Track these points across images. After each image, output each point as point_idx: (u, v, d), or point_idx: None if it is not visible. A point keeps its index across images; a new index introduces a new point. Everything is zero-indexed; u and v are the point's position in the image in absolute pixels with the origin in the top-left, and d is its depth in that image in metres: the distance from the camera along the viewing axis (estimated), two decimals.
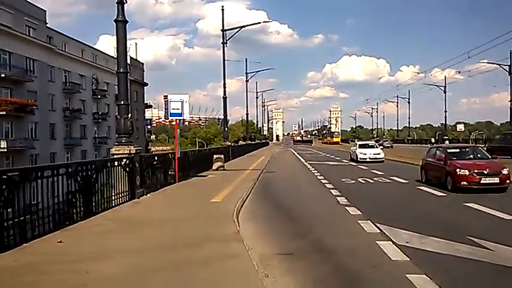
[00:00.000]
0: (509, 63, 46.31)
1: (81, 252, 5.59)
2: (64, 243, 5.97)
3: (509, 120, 51.30)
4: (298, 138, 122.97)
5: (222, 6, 30.06)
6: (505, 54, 47.23)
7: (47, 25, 41.77)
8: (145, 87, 65.64)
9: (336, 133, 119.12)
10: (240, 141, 57.45)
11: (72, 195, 7.37)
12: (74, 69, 46.44)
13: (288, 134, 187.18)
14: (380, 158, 25.48)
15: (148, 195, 10.84)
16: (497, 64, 48.24)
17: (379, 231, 6.84)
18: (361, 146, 27.69)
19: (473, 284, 4.47)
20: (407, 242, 6.03)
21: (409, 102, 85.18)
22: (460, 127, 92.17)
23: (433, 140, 72.20)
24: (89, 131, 50.17)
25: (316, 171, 19.60)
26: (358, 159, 25.52)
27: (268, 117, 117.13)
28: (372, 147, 27.50)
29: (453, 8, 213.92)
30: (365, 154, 25.76)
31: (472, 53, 68.26)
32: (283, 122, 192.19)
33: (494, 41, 68.93)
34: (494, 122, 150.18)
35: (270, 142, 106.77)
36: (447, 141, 69.90)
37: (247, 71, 48.88)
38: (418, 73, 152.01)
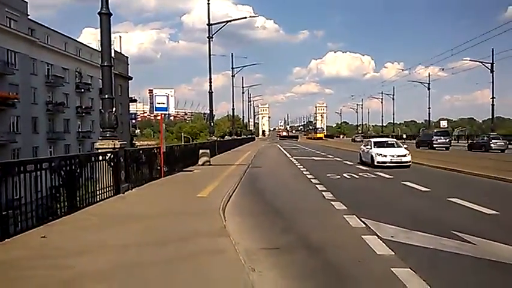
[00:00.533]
0: (491, 61, 47.13)
1: (65, 247, 5.52)
2: (48, 238, 5.88)
3: (490, 117, 52.28)
4: (284, 133, 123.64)
5: (208, 0, 29.83)
6: (487, 52, 48.07)
7: (29, 17, 40.98)
8: (129, 81, 65.08)
9: (319, 129, 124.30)
10: (226, 136, 57.36)
11: (55, 190, 7.27)
12: (56, 62, 45.71)
13: (274, 129, 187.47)
14: (406, 162, 18.10)
15: (133, 190, 10.74)
16: (479, 62, 49.02)
17: (364, 225, 6.89)
18: (377, 145, 19.61)
19: (457, 277, 4.54)
20: (392, 237, 6.09)
21: (393, 99, 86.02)
22: (444, 123, 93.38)
23: (405, 136, 74.27)
24: (72, 125, 49.53)
25: (302, 166, 19.68)
26: (376, 163, 18.02)
27: (254, 112, 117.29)
28: (393, 145, 19.85)
29: (437, 6, 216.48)
30: (385, 156, 18.17)
31: (456, 50, 69.29)
32: (269, 117, 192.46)
33: (477, 39, 70.02)
34: (477, 118, 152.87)
35: (256, 137, 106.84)
36: None
37: (234, 66, 48.73)
38: (403, 70, 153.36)
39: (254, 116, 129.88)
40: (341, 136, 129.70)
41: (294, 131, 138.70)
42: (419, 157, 22.89)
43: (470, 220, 7.47)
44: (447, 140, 37.72)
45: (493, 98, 48.91)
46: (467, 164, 18.03)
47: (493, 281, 4.46)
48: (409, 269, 4.63)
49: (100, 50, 11.02)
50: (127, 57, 65.64)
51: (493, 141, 32.01)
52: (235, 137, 57.22)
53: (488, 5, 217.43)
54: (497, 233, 6.30)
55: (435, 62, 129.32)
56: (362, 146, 21.92)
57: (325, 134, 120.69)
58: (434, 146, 36.36)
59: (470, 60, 51.23)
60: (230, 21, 32.18)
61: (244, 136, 75.09)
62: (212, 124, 33.93)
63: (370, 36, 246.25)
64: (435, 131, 41.92)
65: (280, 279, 4.64)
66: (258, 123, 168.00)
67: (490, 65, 47.20)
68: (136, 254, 5.18)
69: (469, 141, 37.98)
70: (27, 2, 40.63)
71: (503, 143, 31.98)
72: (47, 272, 4.52)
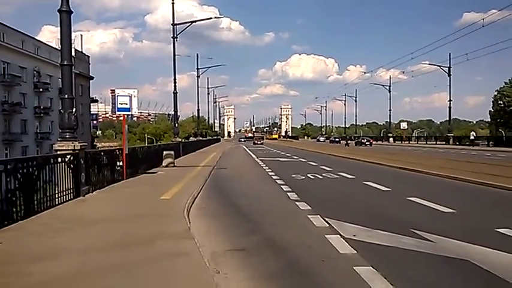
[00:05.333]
0: (448, 65, 49.08)
1: (22, 253, 5.30)
2: (3, 244, 5.63)
3: (448, 119, 54.39)
4: (250, 135, 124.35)
5: (173, 0, 29.52)
6: (445, 56, 50.02)
7: None
8: (91, 81, 63.49)
9: (274, 131, 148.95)
10: (191, 138, 56.76)
11: (11, 194, 6.95)
12: (13, 61, 43.97)
13: (240, 130, 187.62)
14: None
15: (94, 192, 10.47)
16: (437, 66, 51.03)
17: (328, 225, 7.00)
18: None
19: (416, 274, 4.68)
20: (354, 236, 6.22)
21: (356, 101, 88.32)
22: (404, 125, 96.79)
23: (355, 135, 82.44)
24: (30, 126, 47.78)
25: (267, 168, 19.77)
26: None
27: (219, 113, 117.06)
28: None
29: (398, 12, 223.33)
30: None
31: (416, 54, 71.82)
32: (234, 118, 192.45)
33: (436, 43, 72.81)
34: (435, 120, 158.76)
35: (221, 139, 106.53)
36: (391, 138, 73.18)
37: (199, 67, 48.44)
38: (365, 73, 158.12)
39: (220, 117, 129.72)
40: (305, 137, 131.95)
41: (260, 133, 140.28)
42: (378, 158, 23.56)
43: (428, 218, 7.73)
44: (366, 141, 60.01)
45: (450, 100, 51.11)
46: (425, 164, 18.68)
47: (450, 276, 4.64)
48: (371, 267, 4.74)
49: (60, 48, 10.66)
50: (88, 57, 63.97)
51: None
52: (200, 138, 56.78)
53: (446, 11, 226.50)
54: (454, 230, 6.56)
55: (396, 65, 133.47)
56: None
57: (288, 135, 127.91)
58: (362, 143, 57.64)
59: (429, 63, 53.43)
60: (195, 21, 32.08)
61: (210, 137, 74.76)
62: (177, 125, 33.58)
63: (333, 39, 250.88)
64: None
65: (245, 280, 4.63)
66: (223, 125, 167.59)
67: (447, 68, 49.22)
68: (98, 259, 5.03)
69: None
70: None
71: None
72: (3, 280, 4.32)
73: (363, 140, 60.63)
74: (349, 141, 62.86)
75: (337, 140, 75.76)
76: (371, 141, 62.22)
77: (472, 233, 6.45)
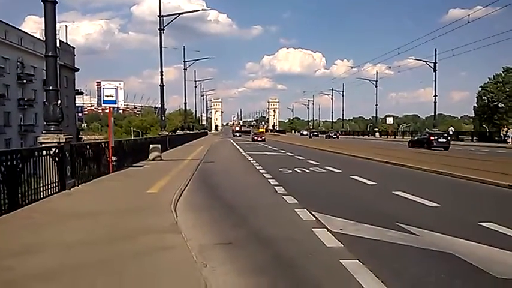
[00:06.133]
0: (434, 61, 49.55)
1: (5, 247, 5.22)
2: None
3: (433, 114, 55.02)
4: (237, 128, 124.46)
5: None
6: (431, 51, 50.52)
7: None
8: (76, 73, 62.56)
9: (261, 125, 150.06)
10: (178, 131, 56.53)
11: None
12: None
13: (227, 124, 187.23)
14: None
15: (79, 186, 10.36)
16: (423, 61, 51.45)
17: (314, 219, 7.04)
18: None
19: (401, 267, 4.74)
20: (341, 229, 6.27)
21: (343, 95, 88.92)
22: (390, 120, 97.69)
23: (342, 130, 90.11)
24: (13, 118, 46.98)
25: (254, 161, 19.79)
26: None
27: (207, 106, 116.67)
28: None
29: (384, 7, 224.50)
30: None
31: (402, 49, 72.43)
32: (222, 112, 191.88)
33: (422, 39, 73.47)
34: (420, 115, 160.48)
35: (208, 132, 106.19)
36: (377, 133, 73.86)
37: (186, 59, 48.13)
38: (352, 67, 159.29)
39: (207, 110, 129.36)
40: (292, 131, 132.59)
41: (248, 127, 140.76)
42: (365, 152, 23.74)
43: (413, 212, 7.82)
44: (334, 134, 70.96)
45: (435, 95, 51.63)
46: (410, 158, 18.90)
47: (434, 268, 4.70)
48: (357, 261, 4.78)
49: (44, 39, 10.46)
50: (73, 48, 62.96)
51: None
52: (188, 131, 56.57)
53: (432, 7, 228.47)
54: (438, 224, 6.66)
55: (383, 60, 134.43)
56: None
57: (276, 129, 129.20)
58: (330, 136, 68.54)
59: (415, 59, 53.79)
60: (182, 13, 31.76)
61: (197, 131, 74.50)
62: (163, 118, 33.39)
63: (321, 34, 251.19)
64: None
65: (233, 273, 4.64)
66: (211, 118, 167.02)
67: (433, 64, 49.69)
68: (83, 253, 4.99)
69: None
70: None
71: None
72: None
73: (330, 134, 72.83)
74: (319, 135, 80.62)
75: (315, 134, 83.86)
76: (337, 134, 73.72)
77: (456, 227, 6.55)
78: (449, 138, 32.09)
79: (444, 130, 42.72)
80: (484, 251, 5.19)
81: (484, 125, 67.12)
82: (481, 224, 6.52)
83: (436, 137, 30.75)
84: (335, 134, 71.62)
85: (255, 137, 54.94)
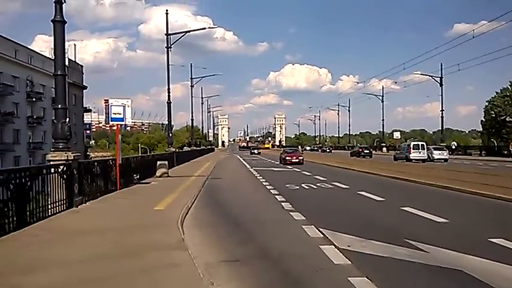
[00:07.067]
0: (440, 75, 49.57)
1: (13, 264, 5.24)
2: None
3: (440, 128, 54.82)
4: (244, 144, 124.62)
5: (167, 10, 29.82)
6: (437, 66, 50.56)
7: None
8: (84, 91, 63.24)
9: (267, 141, 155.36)
10: (185, 147, 56.68)
11: (3, 205, 6.88)
12: (6, 70, 43.71)
13: (234, 140, 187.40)
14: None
15: (87, 203, 10.39)
16: (429, 76, 51.48)
17: (322, 235, 6.99)
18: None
19: (410, 285, 4.69)
20: (349, 246, 6.21)
21: (349, 111, 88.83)
22: (397, 135, 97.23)
23: (349, 145, 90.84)
24: (22, 136, 47.37)
25: (261, 177, 19.75)
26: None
27: (213, 123, 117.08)
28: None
29: (389, 23, 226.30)
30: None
31: (408, 64, 72.50)
32: (228, 128, 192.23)
33: (428, 53, 73.52)
34: (428, 130, 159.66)
35: (215, 148, 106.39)
36: (384, 148, 73.58)
37: (193, 76, 48.52)
38: (358, 83, 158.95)
39: (214, 126, 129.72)
40: (299, 147, 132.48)
41: (254, 143, 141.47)
42: (372, 168, 23.64)
43: (422, 228, 7.75)
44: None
45: (442, 110, 51.48)
46: (418, 174, 18.77)
47: (443, 286, 4.64)
48: (365, 278, 4.73)
49: (53, 58, 10.64)
50: (82, 66, 63.84)
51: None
52: (194, 148, 56.68)
53: (437, 22, 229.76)
54: (447, 240, 6.59)
55: (388, 76, 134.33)
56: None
57: (282, 145, 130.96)
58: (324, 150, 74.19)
59: (421, 74, 53.87)
60: (189, 31, 32.13)
61: (204, 147, 74.59)
62: (170, 135, 33.50)
63: (326, 49, 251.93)
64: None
65: None
66: (217, 134, 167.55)
67: (439, 78, 49.68)
68: (89, 270, 4.99)
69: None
70: None
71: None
72: None
73: (324, 148, 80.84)
74: (313, 149, 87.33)
75: (315, 149, 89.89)
76: (331, 149, 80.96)
77: (465, 243, 6.47)
78: (446, 151, 36.93)
79: (441, 145, 43.88)
80: (493, 268, 5.12)
81: (492, 140, 66.57)
82: (491, 240, 6.43)
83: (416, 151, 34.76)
84: (329, 148, 79.81)
85: (288, 157, 32.36)
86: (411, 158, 34.01)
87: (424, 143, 36.89)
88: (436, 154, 34.88)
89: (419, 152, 34.30)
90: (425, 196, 12.67)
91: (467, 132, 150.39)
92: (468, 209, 10.31)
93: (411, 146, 35.93)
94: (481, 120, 76.43)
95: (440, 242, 6.32)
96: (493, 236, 6.57)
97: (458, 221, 8.47)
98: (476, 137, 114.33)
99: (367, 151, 50.01)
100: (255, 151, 69.57)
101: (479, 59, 75.93)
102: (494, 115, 70.33)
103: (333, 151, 77.44)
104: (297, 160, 31.62)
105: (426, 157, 34.17)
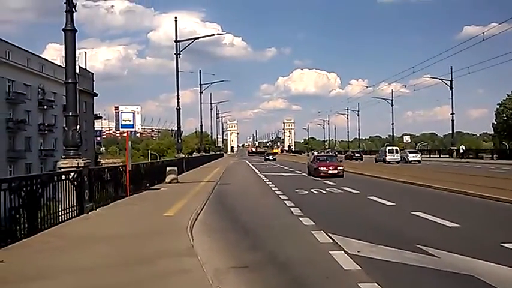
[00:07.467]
0: (450, 79, 49.20)
1: (24, 272, 5.29)
2: (6, 262, 5.61)
3: (450, 132, 54.32)
4: (253, 149, 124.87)
5: (176, 17, 29.92)
6: (447, 69, 50.07)
7: None
8: (95, 98, 63.82)
9: (275, 146, 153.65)
10: (194, 153, 56.90)
11: (15, 212, 6.96)
12: (18, 79, 44.34)
13: (243, 145, 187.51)
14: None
15: (97, 210, 10.46)
16: (439, 79, 51.09)
17: (331, 241, 6.96)
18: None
19: None
20: (358, 251, 6.18)
21: (358, 115, 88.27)
22: (407, 138, 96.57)
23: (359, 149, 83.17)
24: (34, 143, 47.92)
25: (270, 183, 19.74)
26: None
27: (222, 128, 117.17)
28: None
29: (396, 25, 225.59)
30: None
31: (417, 68, 71.91)
32: (237, 133, 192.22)
33: (437, 57, 72.91)
34: (438, 133, 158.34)
35: (224, 154, 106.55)
36: None
37: (202, 83, 48.77)
38: (367, 87, 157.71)
39: (223, 132, 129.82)
40: (309, 151, 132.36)
41: (263, 148, 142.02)
42: (382, 172, 23.46)
43: (433, 233, 7.67)
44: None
45: (452, 113, 51.03)
46: (429, 178, 18.59)
47: None
48: (375, 284, 4.70)
49: (64, 66, 10.78)
50: (92, 74, 64.48)
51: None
52: (204, 153, 56.85)
53: (447, 25, 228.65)
54: (459, 245, 6.51)
55: (398, 79, 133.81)
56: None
57: (292, 149, 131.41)
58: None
59: (430, 77, 53.38)
60: (198, 38, 32.36)
61: (213, 153, 74.75)
62: (180, 141, 33.65)
63: (335, 54, 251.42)
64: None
65: None
66: (226, 140, 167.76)
67: (449, 82, 49.30)
68: (100, 277, 5.02)
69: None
70: None
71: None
72: None
73: (351, 153, 76.98)
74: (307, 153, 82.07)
75: (356, 156, 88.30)
76: (361, 154, 78.32)
77: (477, 248, 6.39)
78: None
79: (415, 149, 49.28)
80: (506, 273, 5.05)
81: (504, 142, 65.74)
82: (503, 245, 6.34)
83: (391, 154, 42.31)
84: (358, 154, 60.03)
85: (323, 168, 23.10)
86: (387, 160, 41.14)
87: (398, 148, 45.40)
88: (411, 157, 41.31)
89: (394, 155, 41.73)
90: (436, 200, 12.53)
91: (478, 135, 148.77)
92: (480, 213, 10.20)
93: (387, 150, 43.78)
94: (493, 123, 75.52)
95: (452, 246, 6.25)
96: (505, 241, 6.48)
97: (470, 225, 8.38)
98: (487, 140, 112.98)
99: (358, 155, 57.62)
100: (270, 157, 60.41)
101: (489, 62, 75.22)
102: (505, 118, 69.47)
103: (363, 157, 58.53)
104: (336, 172, 22.46)
105: (399, 159, 41.06)
